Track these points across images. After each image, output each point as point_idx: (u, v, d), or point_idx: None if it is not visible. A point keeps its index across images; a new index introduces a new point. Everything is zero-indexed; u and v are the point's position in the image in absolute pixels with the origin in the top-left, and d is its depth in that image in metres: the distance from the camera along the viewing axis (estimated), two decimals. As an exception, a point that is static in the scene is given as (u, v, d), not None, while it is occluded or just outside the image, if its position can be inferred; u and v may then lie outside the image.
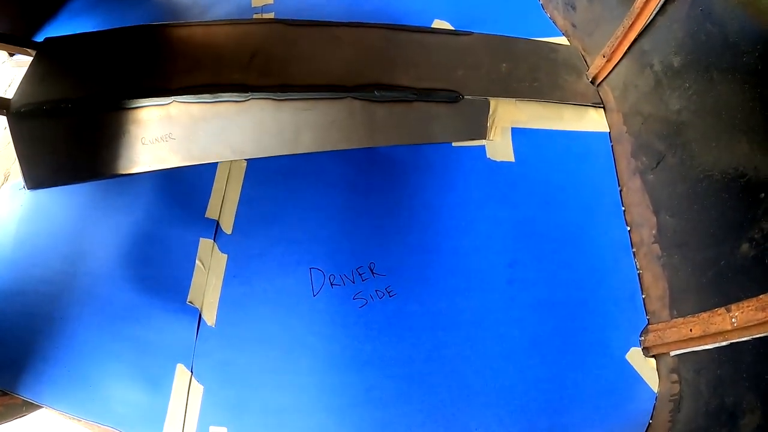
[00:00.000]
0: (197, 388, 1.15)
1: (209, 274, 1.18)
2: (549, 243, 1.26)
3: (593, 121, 1.40)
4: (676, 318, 1.22)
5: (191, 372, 1.15)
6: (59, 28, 1.77)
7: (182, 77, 1.24)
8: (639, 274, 1.30)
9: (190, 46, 1.32)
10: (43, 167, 1.35)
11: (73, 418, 1.31)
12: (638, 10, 1.32)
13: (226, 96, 1.19)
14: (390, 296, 1.14)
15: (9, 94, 1.89)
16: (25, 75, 1.37)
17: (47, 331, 1.29)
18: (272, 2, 1.55)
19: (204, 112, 1.21)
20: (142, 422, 1.18)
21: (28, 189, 1.38)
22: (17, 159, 1.37)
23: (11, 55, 1.74)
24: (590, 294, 1.26)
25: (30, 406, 1.43)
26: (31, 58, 1.57)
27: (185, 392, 1.15)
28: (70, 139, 1.30)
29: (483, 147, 1.29)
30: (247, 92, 1.19)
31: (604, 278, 1.28)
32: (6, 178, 1.69)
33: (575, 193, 1.32)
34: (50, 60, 1.38)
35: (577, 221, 1.30)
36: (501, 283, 1.20)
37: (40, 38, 1.64)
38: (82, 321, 1.25)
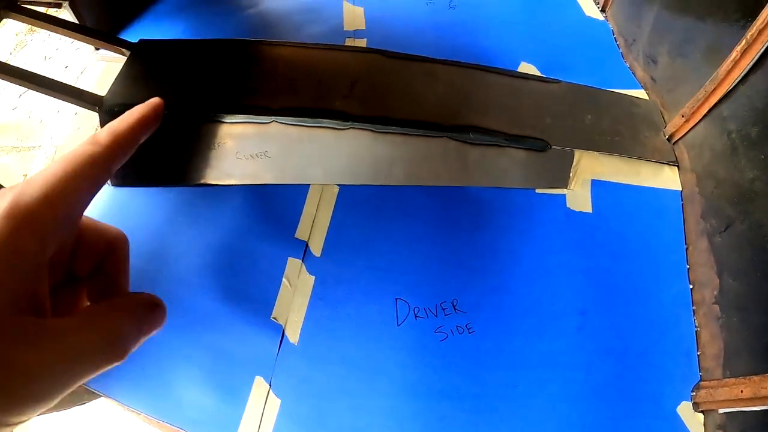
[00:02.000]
0: (274, 401, 1.25)
1: (295, 293, 1.29)
2: (618, 294, 1.39)
3: (667, 179, 1.52)
4: (729, 378, 1.35)
5: (270, 385, 1.26)
6: (145, 29, 1.85)
7: (284, 98, 1.34)
8: (697, 331, 1.43)
9: (290, 67, 1.41)
10: (130, 167, 1.44)
11: (135, 412, 1.42)
12: (722, 77, 1.44)
13: (326, 122, 1.30)
14: (469, 333, 1.26)
15: (81, 81, 1.98)
16: (119, 74, 1.46)
17: (121, 328, 1.39)
18: (364, 28, 1.64)
19: (302, 135, 1.32)
20: (214, 427, 1.29)
21: (112, 186, 1.48)
22: (105, 156, 1.46)
23: (97, 49, 1.82)
24: (650, 346, 1.39)
25: (91, 395, 1.53)
26: (116, 55, 1.66)
27: (262, 404, 1.26)
28: (162, 144, 1.40)
29: (563, 196, 1.41)
30: (347, 121, 1.29)
31: (664, 332, 1.41)
32: (72, 165, 1.78)
33: (645, 247, 1.44)
34: (144, 62, 1.48)
35: (644, 275, 1.43)
36: (571, 329, 1.32)
37: (123, 37, 1.73)
38: (161, 323, 1.35)
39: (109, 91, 1.44)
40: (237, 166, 1.35)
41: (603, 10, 1.86)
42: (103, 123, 1.43)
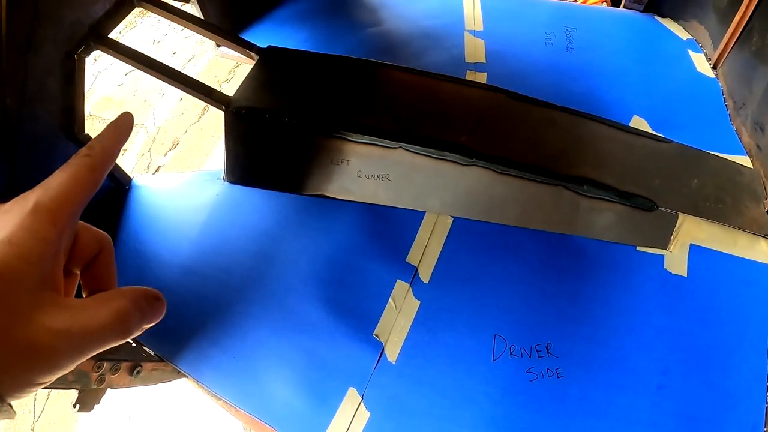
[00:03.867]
0: (363, 414, 1.37)
1: (399, 314, 1.40)
2: (699, 359, 1.47)
3: (762, 252, 1.59)
4: (792, 457, 1.43)
5: (362, 397, 1.37)
6: (267, 32, 1.94)
7: (411, 125, 1.43)
8: (767, 407, 1.51)
9: (417, 95, 1.50)
10: (249, 168, 1.56)
11: (216, 398, 1.55)
12: (832, 159, 1.50)
13: (451, 156, 1.39)
14: (558, 377, 1.36)
15: (188, 68, 2.09)
16: (247, 77, 1.56)
17: (221, 318, 1.52)
18: (485, 62, 1.72)
19: (425, 164, 1.41)
20: (300, 428, 1.41)
21: (227, 182, 1.59)
22: (225, 153, 1.58)
23: (218, 45, 1.93)
24: (721, 415, 1.48)
25: (176, 375, 1.67)
26: (234, 53, 1.77)
27: (351, 414, 1.37)
28: (284, 151, 1.50)
29: (662, 257, 1.49)
30: (472, 158, 1.38)
31: (736, 403, 1.49)
32: (174, 146, 1.90)
33: (731, 317, 1.52)
34: (272, 69, 1.58)
35: (726, 344, 1.51)
36: (652, 387, 1.41)
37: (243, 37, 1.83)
38: (262, 321, 1.47)
39: (236, 92, 1.55)
40: (357, 184, 1.45)
41: (714, 68, 1.91)
42: (227, 121, 1.54)
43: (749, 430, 1.48)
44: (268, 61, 1.60)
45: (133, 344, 1.62)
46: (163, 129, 1.92)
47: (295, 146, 1.49)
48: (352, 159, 1.43)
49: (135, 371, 1.59)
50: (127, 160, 1.91)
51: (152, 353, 1.62)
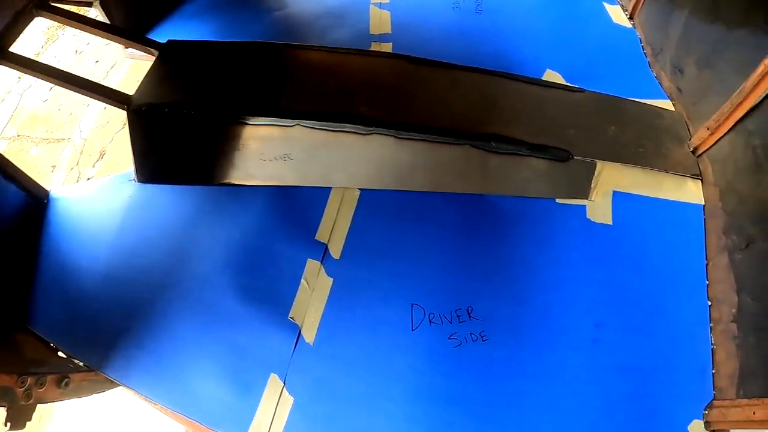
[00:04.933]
0: (287, 399, 1.30)
1: (313, 294, 1.33)
2: (634, 308, 1.40)
3: (690, 193, 1.52)
4: (742, 398, 1.34)
5: (284, 383, 1.31)
6: (174, 29, 1.91)
7: (308, 102, 1.37)
8: (712, 349, 1.43)
9: (315, 71, 1.45)
10: (157, 165, 1.50)
11: (151, 402, 1.48)
12: (748, 90, 1.42)
13: (350, 127, 1.33)
14: (483, 341, 1.29)
15: (111, 76, 2.05)
16: (147, 74, 1.51)
17: (144, 320, 1.46)
18: (390, 32, 1.67)
19: (326, 139, 1.35)
20: (228, 421, 1.34)
21: (138, 182, 1.53)
22: (132, 152, 1.52)
23: (126, 47, 1.89)
24: (664, 363, 1.40)
25: (110, 384, 1.60)
26: (143, 53, 1.72)
27: (275, 401, 1.31)
28: (188, 144, 1.45)
29: (584, 207, 1.42)
30: (371, 126, 1.32)
31: (679, 349, 1.41)
32: (101, 156, 1.85)
33: (664, 261, 1.45)
34: (172, 63, 1.53)
35: (662, 289, 1.43)
36: (586, 342, 1.34)
37: (152, 36, 1.78)
38: (182, 318, 1.41)
39: (137, 90, 1.50)
40: (260, 168, 1.39)
41: (631, 18, 1.85)
42: (130, 120, 1.49)
43: (697, 375, 1.40)
44: (168, 55, 1.55)
45: (62, 356, 1.56)
46: (90, 140, 1.88)
47: (197, 137, 1.44)
48: (252, 143, 1.38)
49: (63, 383, 1.52)
50: (56, 176, 1.86)
51: (80, 363, 1.55)
